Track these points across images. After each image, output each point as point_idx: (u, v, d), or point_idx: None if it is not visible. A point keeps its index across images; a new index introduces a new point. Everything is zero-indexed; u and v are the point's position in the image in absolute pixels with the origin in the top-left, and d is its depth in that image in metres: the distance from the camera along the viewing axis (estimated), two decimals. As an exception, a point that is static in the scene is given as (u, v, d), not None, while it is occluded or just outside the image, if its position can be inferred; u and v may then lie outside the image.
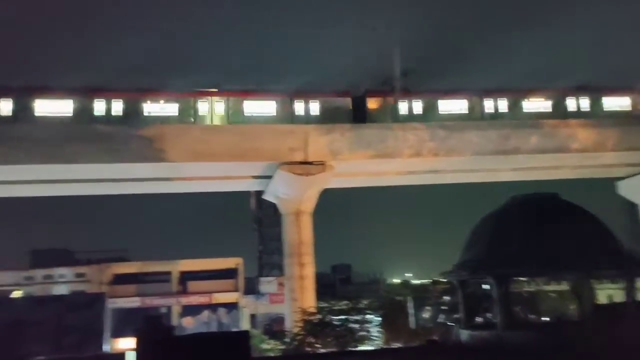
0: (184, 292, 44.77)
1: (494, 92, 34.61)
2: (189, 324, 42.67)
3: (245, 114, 31.64)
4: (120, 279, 43.82)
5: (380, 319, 27.67)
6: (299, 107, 32.08)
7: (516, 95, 34.79)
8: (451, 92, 34.34)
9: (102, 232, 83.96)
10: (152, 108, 30.71)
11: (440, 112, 33.40)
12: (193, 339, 14.19)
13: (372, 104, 32.78)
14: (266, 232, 49.85)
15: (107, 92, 30.48)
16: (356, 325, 26.04)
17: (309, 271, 33.44)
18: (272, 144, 31.27)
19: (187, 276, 45.52)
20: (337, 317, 26.50)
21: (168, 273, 45.01)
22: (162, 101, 30.84)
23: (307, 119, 31.96)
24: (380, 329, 27.00)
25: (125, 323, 36.60)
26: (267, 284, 46.12)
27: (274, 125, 31.77)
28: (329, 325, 25.52)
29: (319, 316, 26.54)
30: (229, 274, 45.77)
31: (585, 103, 35.11)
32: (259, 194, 43.38)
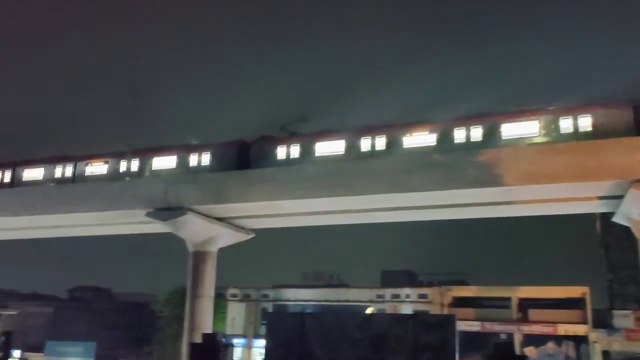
0: (524, 319, 43.31)
1: (374, 130, 32.42)
2: (532, 354, 40.96)
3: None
4: (460, 302, 45.14)
5: None
6: (193, 159, 36.19)
7: (396, 130, 31.97)
8: (328, 134, 33.52)
9: (442, 255, 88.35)
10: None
11: (316, 155, 33.10)
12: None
13: (256, 150, 35.02)
14: (616, 258, 44.24)
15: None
16: None
17: (679, 307, 28.43)
18: (622, 159, 27.93)
19: (525, 303, 44.01)
20: None
21: (507, 299, 44.30)
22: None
23: (198, 170, 35.71)
24: None
25: (466, 346, 37.42)
26: (622, 318, 40.91)
27: (622, 140, 28.40)
28: None
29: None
30: (574, 303, 42.43)
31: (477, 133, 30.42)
32: (605, 216, 39.31)
